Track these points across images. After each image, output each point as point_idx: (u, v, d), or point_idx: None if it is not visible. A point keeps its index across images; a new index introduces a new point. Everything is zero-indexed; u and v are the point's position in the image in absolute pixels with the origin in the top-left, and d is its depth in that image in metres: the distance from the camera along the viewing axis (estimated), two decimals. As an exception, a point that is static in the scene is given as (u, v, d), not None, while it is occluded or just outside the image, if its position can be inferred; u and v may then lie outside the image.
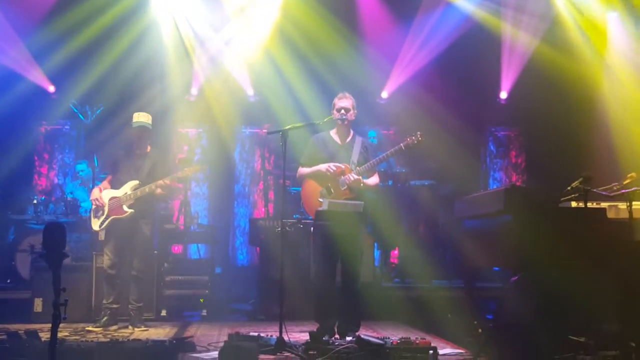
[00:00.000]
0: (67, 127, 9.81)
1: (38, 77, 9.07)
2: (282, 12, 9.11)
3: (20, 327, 5.30)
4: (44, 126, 9.74)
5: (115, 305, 6.10)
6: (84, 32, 8.62)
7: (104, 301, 6.12)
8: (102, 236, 6.22)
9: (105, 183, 6.28)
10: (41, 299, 6.44)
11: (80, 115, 8.78)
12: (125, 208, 6.02)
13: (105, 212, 6.06)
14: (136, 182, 6.07)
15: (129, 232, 6.09)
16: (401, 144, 5.31)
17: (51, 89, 9.25)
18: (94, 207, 6.14)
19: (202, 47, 9.36)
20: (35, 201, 8.06)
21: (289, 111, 8.77)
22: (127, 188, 6.07)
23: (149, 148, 6.25)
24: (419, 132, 5.28)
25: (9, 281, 7.78)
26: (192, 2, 9.21)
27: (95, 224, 6.10)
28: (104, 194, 6.13)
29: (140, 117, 6.14)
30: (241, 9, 9.16)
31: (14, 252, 7.84)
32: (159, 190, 6.02)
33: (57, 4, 8.66)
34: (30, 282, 6.90)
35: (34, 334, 4.61)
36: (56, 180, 9.65)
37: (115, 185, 6.17)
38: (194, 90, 9.59)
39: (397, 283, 7.99)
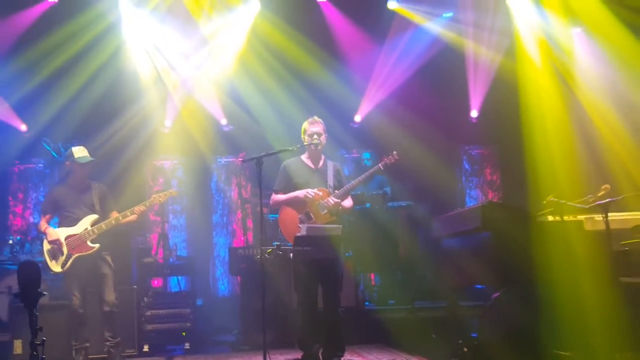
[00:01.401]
0: (40, 165, 9.69)
1: (7, 115, 8.95)
2: (254, 36, 9.06)
3: (-1, 371, 5.19)
4: (17, 165, 9.62)
5: (87, 344, 5.97)
6: (52, 66, 8.50)
7: (74, 343, 5.96)
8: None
9: (43, 222, 6.06)
10: (20, 340, 6.28)
11: (54, 153, 8.65)
12: (90, 244, 5.87)
13: (65, 252, 5.87)
14: (95, 216, 5.96)
15: (92, 268, 5.93)
16: (379, 164, 5.39)
17: (23, 127, 9.16)
18: (50, 247, 5.90)
19: (175, 79, 9.34)
20: (10, 241, 7.89)
21: (265, 138, 8.76)
22: (86, 223, 5.92)
23: (89, 182, 6.14)
24: (394, 152, 5.37)
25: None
26: (163, 33, 9.15)
27: (56, 266, 5.88)
28: (58, 232, 5.96)
29: (85, 152, 6.06)
30: (213, 34, 9.12)
31: (-9, 294, 7.65)
32: (127, 219, 5.92)
33: (22, 38, 8.51)
34: (8, 323, 6.74)
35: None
36: (31, 219, 9.51)
37: (68, 223, 5.97)
38: (168, 122, 9.56)
39: (379, 306, 7.95)
